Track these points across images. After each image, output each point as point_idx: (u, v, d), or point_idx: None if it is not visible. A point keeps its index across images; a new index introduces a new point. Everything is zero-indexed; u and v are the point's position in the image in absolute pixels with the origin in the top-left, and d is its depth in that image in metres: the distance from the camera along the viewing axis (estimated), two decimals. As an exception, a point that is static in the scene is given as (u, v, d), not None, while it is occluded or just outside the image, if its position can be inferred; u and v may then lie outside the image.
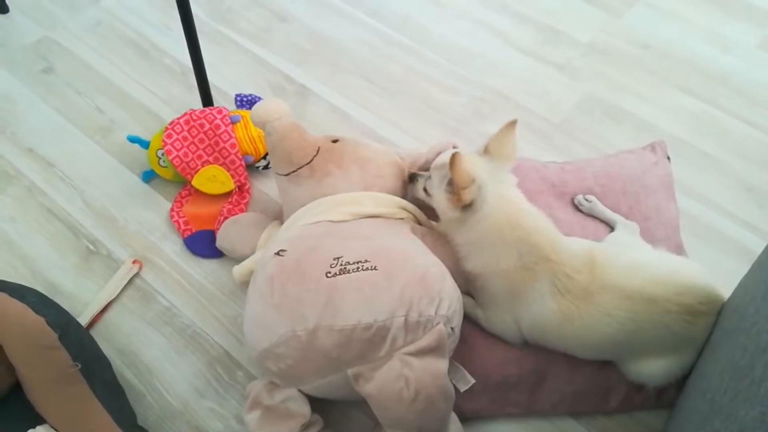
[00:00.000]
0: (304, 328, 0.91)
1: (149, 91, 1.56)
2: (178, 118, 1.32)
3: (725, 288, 1.00)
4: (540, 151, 1.42)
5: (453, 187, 0.98)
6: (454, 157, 0.97)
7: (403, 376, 0.89)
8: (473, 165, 1.00)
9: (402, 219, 1.11)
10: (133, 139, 1.36)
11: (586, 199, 1.23)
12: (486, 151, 1.04)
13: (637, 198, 1.24)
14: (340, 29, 1.68)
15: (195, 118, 1.31)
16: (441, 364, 0.93)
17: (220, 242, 1.25)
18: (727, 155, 1.41)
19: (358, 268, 0.94)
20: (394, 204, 1.12)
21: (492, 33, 1.66)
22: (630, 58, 1.59)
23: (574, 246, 1.02)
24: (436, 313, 0.93)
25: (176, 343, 1.19)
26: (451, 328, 0.96)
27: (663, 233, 1.21)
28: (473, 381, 1.04)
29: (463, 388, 1.03)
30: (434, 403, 0.91)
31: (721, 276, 1.10)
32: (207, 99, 1.41)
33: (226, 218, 1.28)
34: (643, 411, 1.09)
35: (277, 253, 1.00)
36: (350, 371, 0.91)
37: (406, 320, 0.91)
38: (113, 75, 1.59)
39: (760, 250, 0.96)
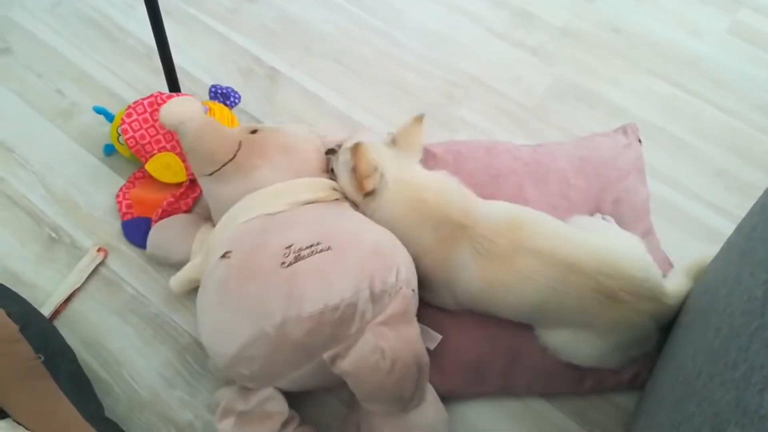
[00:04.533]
0: (271, 324, 0.89)
1: (112, 73, 1.51)
2: (143, 99, 1.28)
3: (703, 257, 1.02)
4: (513, 135, 1.41)
5: (356, 175, 1.01)
6: (357, 147, 1.00)
7: (378, 348, 0.88)
8: (377, 154, 1.03)
9: (338, 199, 1.10)
10: (99, 110, 1.33)
11: (604, 218, 1.20)
12: (393, 142, 1.07)
13: (609, 180, 1.25)
14: (311, 11, 1.65)
15: (160, 101, 1.27)
16: (412, 330, 0.95)
17: (152, 250, 1.20)
18: (696, 139, 1.43)
19: (312, 252, 0.93)
20: (327, 186, 1.10)
21: (465, 17, 1.64)
22: (601, 42, 1.60)
23: (496, 209, 1.03)
24: (397, 278, 0.94)
25: (144, 333, 1.16)
26: (412, 290, 0.98)
27: (633, 215, 1.22)
28: (440, 337, 1.06)
29: (432, 346, 1.05)
30: (410, 370, 0.91)
31: (689, 258, 1.12)
32: (173, 82, 1.37)
33: (164, 210, 1.24)
34: (616, 393, 1.10)
35: (223, 256, 0.97)
36: (326, 355, 0.90)
37: (371, 292, 0.91)
38: (74, 56, 1.53)
39: (728, 232, 0.97)
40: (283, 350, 0.90)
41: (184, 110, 1.09)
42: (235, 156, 1.08)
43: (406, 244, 1.02)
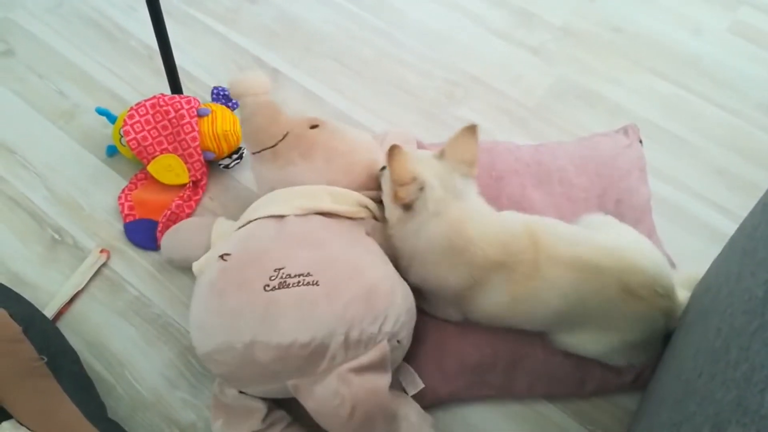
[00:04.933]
0: (240, 341, 0.89)
1: (114, 74, 1.51)
2: (146, 100, 1.28)
3: (696, 269, 1.01)
4: (514, 135, 1.41)
5: (391, 181, 0.95)
6: (393, 150, 0.93)
7: (339, 394, 0.86)
8: (420, 163, 0.96)
9: (362, 218, 1.06)
10: (101, 111, 1.33)
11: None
12: (442, 154, 0.99)
13: (611, 180, 1.25)
14: (311, 11, 1.65)
15: (162, 103, 1.28)
16: (381, 381, 0.91)
17: (169, 254, 1.19)
18: (697, 138, 1.43)
19: (299, 282, 0.90)
20: (353, 201, 1.06)
21: (466, 16, 1.64)
22: (602, 42, 1.60)
23: (513, 226, 0.99)
24: (379, 330, 0.91)
25: (147, 334, 1.16)
26: (398, 341, 0.94)
27: (634, 216, 1.22)
28: (422, 385, 1.04)
29: (411, 392, 1.03)
30: (372, 420, 0.89)
31: (691, 257, 1.13)
32: (174, 82, 1.37)
33: (173, 212, 1.25)
34: (618, 394, 1.10)
35: (222, 257, 0.97)
36: (289, 383, 0.89)
37: (346, 338, 0.88)
38: (76, 58, 1.54)
39: (729, 231, 0.97)
40: (249, 367, 0.90)
41: (251, 85, 1.08)
42: (275, 145, 1.08)
43: (426, 275, 0.98)
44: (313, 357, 0.88)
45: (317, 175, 1.07)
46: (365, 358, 0.89)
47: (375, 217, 1.09)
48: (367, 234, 1.04)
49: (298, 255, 0.94)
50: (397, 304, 0.94)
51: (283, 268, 0.91)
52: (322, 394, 0.87)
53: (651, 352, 1.03)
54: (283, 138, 1.08)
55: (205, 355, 0.94)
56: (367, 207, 1.08)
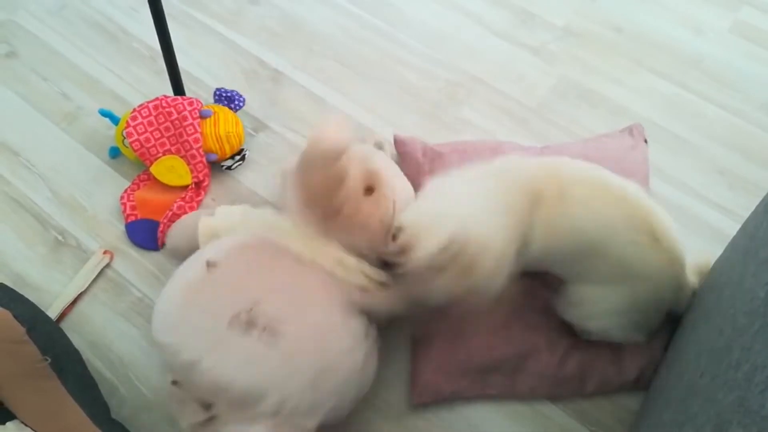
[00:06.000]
0: (187, 359, 0.88)
1: (117, 76, 1.52)
2: (148, 102, 1.29)
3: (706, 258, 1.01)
4: (516, 136, 1.41)
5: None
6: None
7: None
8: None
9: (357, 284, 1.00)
10: (104, 113, 1.33)
11: None
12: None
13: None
14: (313, 12, 1.65)
15: (165, 104, 1.28)
16: None
17: (173, 244, 1.17)
18: (699, 138, 1.43)
19: (264, 328, 0.87)
20: (359, 273, 1.01)
21: (467, 17, 1.65)
22: (604, 42, 1.60)
23: (534, 161, 1.02)
24: (311, 411, 0.88)
25: (150, 335, 1.15)
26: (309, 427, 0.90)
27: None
28: None
29: None
30: None
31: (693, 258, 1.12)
32: (177, 84, 1.38)
33: (174, 213, 1.25)
34: (620, 394, 1.10)
35: (208, 263, 0.94)
36: (215, 411, 0.88)
37: (278, 403, 0.86)
38: (79, 60, 1.54)
39: (731, 231, 0.97)
40: (186, 380, 0.91)
41: (329, 148, 0.93)
42: (324, 215, 0.98)
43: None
44: (245, 403, 0.87)
45: (343, 239, 1.01)
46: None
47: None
48: (354, 301, 0.98)
49: (281, 297, 0.92)
50: (341, 394, 0.92)
51: (259, 305, 0.89)
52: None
53: (651, 329, 1.02)
54: (334, 212, 0.98)
55: (156, 344, 0.94)
56: (368, 276, 1.01)
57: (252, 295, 0.91)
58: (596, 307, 1.01)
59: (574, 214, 0.95)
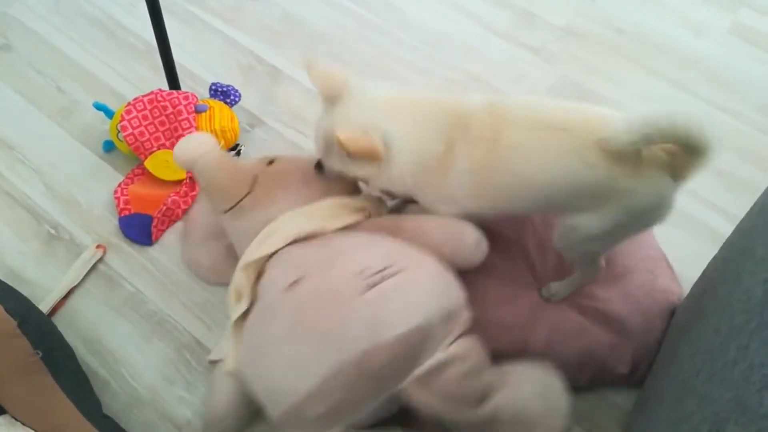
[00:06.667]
0: (350, 357, 0.85)
1: (113, 70, 1.51)
2: (143, 96, 1.28)
3: (694, 270, 1.00)
4: (514, 135, 1.41)
5: (361, 155, 0.93)
6: (340, 139, 0.90)
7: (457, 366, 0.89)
8: (349, 121, 0.94)
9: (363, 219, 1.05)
10: (99, 106, 1.33)
11: None
12: (325, 99, 0.97)
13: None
14: (312, 9, 1.64)
15: (160, 99, 1.27)
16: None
17: (192, 264, 1.22)
18: (697, 139, 1.42)
19: (383, 277, 0.90)
20: (355, 209, 1.05)
21: (467, 16, 1.64)
22: (604, 42, 1.60)
23: (471, 100, 0.96)
24: (458, 299, 0.95)
25: (143, 330, 1.16)
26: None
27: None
28: None
29: None
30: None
31: (691, 259, 1.12)
32: (173, 79, 1.37)
33: (168, 208, 1.24)
34: (612, 390, 1.10)
35: (289, 288, 0.93)
36: (401, 386, 0.87)
37: (445, 313, 0.90)
38: (75, 54, 1.53)
39: (727, 232, 0.97)
40: (360, 384, 0.86)
41: (196, 147, 1.06)
42: (252, 189, 1.04)
43: (429, 183, 0.97)
44: (424, 343, 0.88)
45: (302, 199, 1.04)
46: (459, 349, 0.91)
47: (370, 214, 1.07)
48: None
49: (366, 255, 0.95)
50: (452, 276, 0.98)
51: (364, 270, 0.91)
52: (441, 382, 0.88)
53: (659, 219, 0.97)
54: (255, 181, 1.05)
55: (303, 398, 0.86)
56: (362, 209, 1.06)
57: (352, 268, 0.92)
58: (594, 230, 0.95)
59: (509, 158, 0.92)
